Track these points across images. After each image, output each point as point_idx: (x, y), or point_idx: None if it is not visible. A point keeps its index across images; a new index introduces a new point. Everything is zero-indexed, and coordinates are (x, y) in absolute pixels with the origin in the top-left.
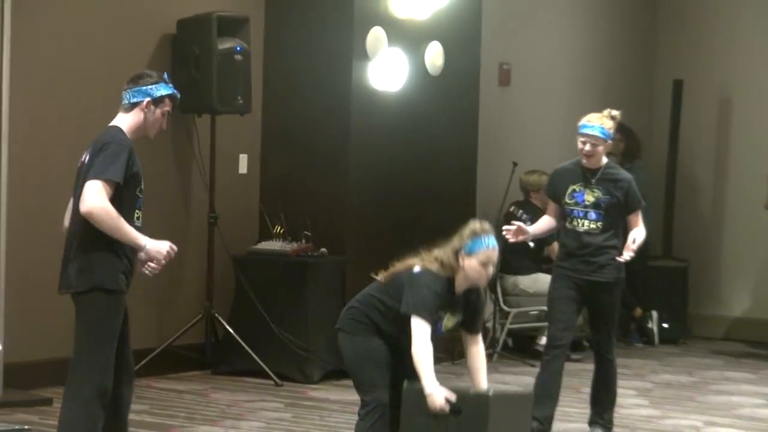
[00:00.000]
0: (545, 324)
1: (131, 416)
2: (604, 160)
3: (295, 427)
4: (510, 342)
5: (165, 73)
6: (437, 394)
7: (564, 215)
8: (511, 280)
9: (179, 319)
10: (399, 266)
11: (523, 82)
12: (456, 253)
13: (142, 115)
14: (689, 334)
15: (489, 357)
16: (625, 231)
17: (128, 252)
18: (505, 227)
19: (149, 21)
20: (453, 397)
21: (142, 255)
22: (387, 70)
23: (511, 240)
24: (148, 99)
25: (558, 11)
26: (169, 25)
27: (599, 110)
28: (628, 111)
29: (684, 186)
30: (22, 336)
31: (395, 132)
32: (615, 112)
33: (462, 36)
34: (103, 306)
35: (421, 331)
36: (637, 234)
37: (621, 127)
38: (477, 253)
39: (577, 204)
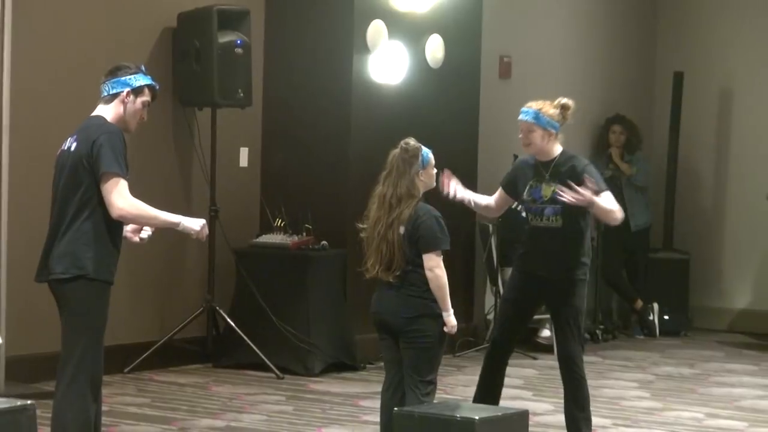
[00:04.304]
0: (546, 316)
1: (133, 409)
2: (558, 149)
3: (296, 420)
4: None
5: (142, 65)
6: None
7: (526, 212)
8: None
9: (180, 313)
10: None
11: (524, 75)
12: (416, 177)
13: (122, 107)
14: (690, 326)
15: None
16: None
17: (118, 243)
18: (444, 179)
19: (150, 14)
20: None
21: (127, 229)
22: (387, 63)
23: (448, 191)
24: (127, 89)
25: (558, 3)
26: (169, 19)
27: (601, 103)
28: (628, 103)
29: (685, 178)
30: (24, 329)
31: (396, 125)
32: (566, 101)
33: (462, 28)
34: (92, 295)
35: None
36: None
37: (622, 120)
38: (429, 162)
39: (534, 201)
